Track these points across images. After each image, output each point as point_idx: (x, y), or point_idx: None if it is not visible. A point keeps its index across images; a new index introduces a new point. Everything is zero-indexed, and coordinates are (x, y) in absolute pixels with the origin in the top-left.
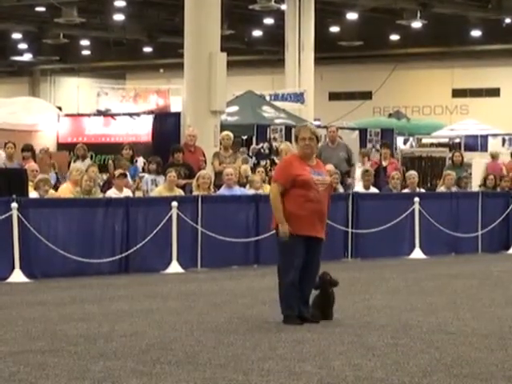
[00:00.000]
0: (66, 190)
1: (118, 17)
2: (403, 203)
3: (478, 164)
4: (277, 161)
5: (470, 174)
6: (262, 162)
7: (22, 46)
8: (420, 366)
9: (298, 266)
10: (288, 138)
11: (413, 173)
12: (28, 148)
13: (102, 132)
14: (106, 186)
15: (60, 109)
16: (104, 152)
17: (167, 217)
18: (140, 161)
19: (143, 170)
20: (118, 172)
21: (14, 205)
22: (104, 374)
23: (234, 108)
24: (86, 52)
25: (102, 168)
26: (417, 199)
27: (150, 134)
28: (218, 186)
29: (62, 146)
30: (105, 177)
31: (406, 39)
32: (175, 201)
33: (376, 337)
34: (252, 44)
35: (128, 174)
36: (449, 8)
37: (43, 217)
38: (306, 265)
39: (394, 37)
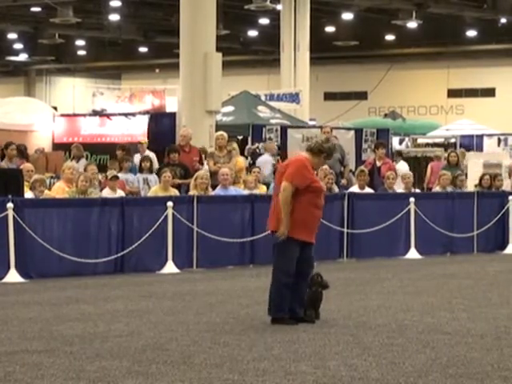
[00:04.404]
0: (59, 189)
1: (114, 17)
2: (399, 203)
3: (474, 164)
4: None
5: (466, 173)
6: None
7: (18, 45)
8: (415, 366)
9: (294, 269)
10: (283, 138)
11: (408, 173)
12: (8, 147)
13: (97, 132)
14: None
15: (55, 109)
16: (99, 152)
17: (163, 217)
18: (135, 161)
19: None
20: (110, 174)
21: (10, 205)
22: (99, 374)
23: (230, 108)
24: (81, 52)
25: (98, 168)
26: (412, 199)
27: (145, 134)
28: (213, 187)
29: (57, 146)
30: (101, 177)
31: (401, 39)
32: (171, 201)
33: (371, 337)
34: (247, 44)
35: (119, 175)
36: (444, 8)
37: (39, 217)
38: (302, 266)
39: (390, 37)
